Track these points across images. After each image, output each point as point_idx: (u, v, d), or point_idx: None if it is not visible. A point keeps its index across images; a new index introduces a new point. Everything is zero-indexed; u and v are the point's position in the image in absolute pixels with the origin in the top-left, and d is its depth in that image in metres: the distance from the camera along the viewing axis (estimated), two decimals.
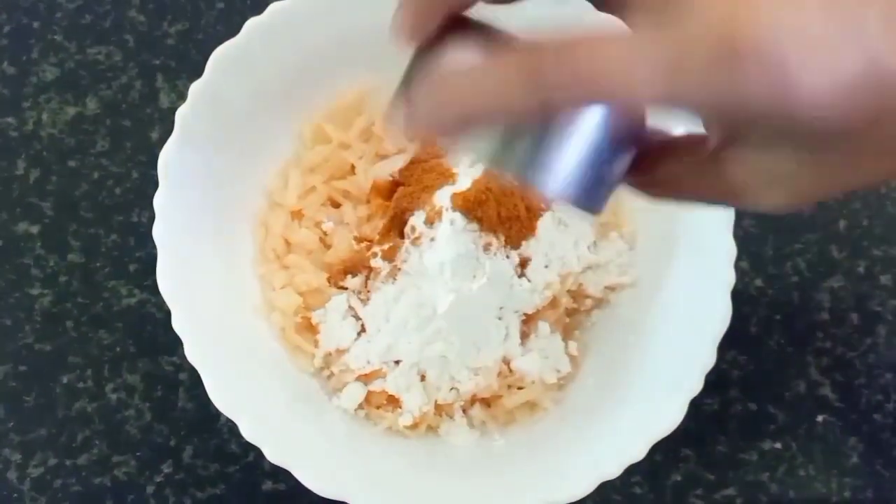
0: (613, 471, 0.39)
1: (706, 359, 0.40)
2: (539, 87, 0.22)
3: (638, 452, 0.39)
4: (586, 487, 0.39)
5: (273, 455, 0.39)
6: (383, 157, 0.46)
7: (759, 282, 0.50)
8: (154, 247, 0.41)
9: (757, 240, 0.50)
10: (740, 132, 0.24)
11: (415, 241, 0.42)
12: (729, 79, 0.21)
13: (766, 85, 0.21)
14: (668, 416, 0.40)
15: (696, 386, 0.40)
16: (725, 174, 0.25)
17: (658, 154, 0.27)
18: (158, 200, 0.41)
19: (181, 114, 0.41)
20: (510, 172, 0.25)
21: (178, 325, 0.40)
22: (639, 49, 0.22)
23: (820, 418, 0.48)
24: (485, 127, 0.24)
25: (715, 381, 0.41)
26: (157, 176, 0.41)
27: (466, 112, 0.24)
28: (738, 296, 0.42)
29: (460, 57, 0.25)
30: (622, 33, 0.23)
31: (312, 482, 0.39)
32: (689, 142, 0.26)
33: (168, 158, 0.41)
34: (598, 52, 0.22)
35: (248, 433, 0.39)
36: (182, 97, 0.42)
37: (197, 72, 0.42)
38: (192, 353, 0.39)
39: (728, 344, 0.41)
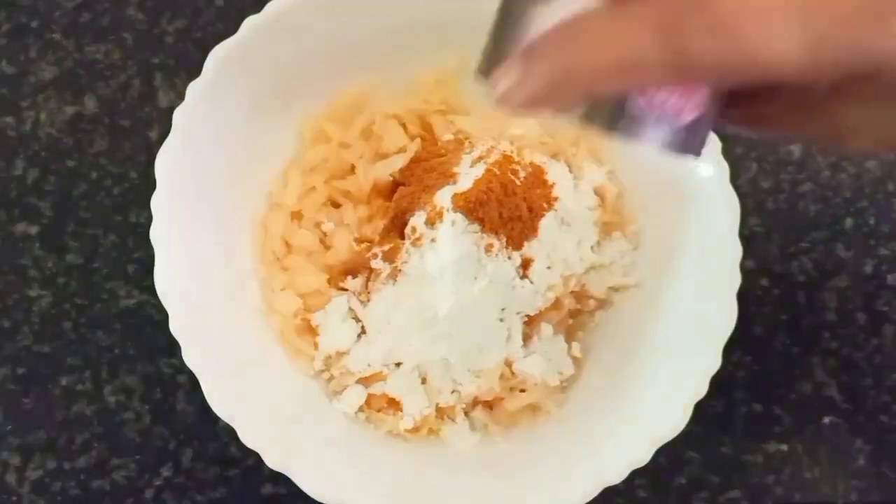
0: (617, 476, 0.39)
1: (711, 362, 0.40)
2: (681, 51, 0.21)
3: (642, 457, 0.39)
4: (589, 492, 0.39)
5: (272, 461, 0.39)
6: (383, 156, 0.45)
7: (764, 281, 0.49)
8: (153, 247, 0.41)
9: (762, 239, 0.50)
10: (860, 85, 0.23)
11: (415, 242, 0.42)
12: (879, 44, 0.20)
13: None
14: (672, 419, 0.39)
15: (700, 390, 0.40)
16: (832, 117, 0.25)
17: (765, 96, 0.25)
18: (156, 202, 0.40)
19: (179, 114, 0.41)
20: (600, 126, 0.24)
21: (175, 328, 0.39)
22: (783, 5, 0.20)
23: (826, 420, 0.47)
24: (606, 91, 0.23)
25: (720, 382, 0.41)
26: (155, 176, 0.41)
27: (598, 77, 0.22)
28: (743, 295, 0.41)
29: (575, 4, 0.22)
30: None
31: (312, 487, 0.39)
32: (798, 86, 0.24)
33: (166, 159, 0.41)
34: (741, 8, 0.21)
35: (247, 438, 0.39)
36: (181, 96, 0.42)
37: (196, 70, 0.42)
38: (190, 357, 0.39)
39: (733, 344, 0.41)
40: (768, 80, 0.22)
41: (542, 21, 0.23)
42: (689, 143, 0.25)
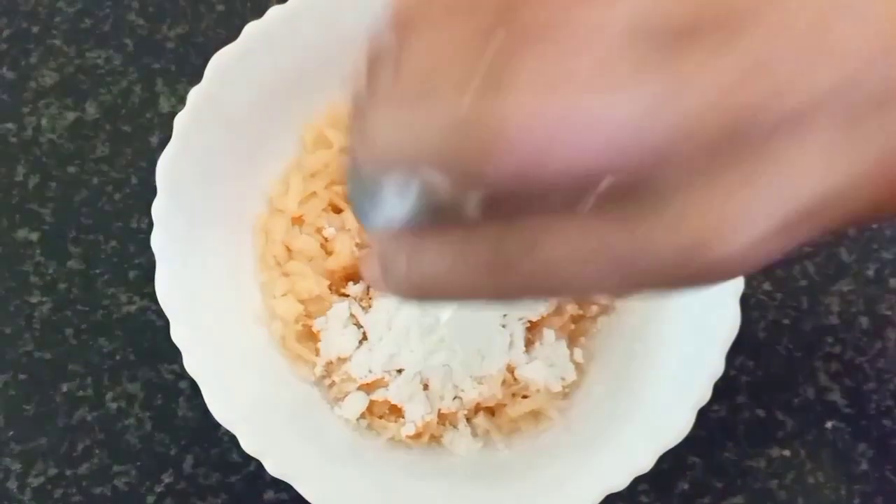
0: (620, 482, 0.39)
1: (714, 368, 0.40)
2: (503, 287, 0.23)
3: (645, 463, 0.39)
4: (592, 499, 0.39)
5: (273, 468, 0.38)
6: None
7: (767, 285, 0.49)
8: (154, 253, 0.40)
9: None
10: None
11: None
12: (680, 283, 0.22)
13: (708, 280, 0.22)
14: (675, 426, 0.39)
15: (704, 395, 0.40)
16: None
17: None
18: (157, 208, 0.40)
19: (180, 120, 0.41)
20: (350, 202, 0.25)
21: (176, 336, 0.39)
22: (597, 241, 0.21)
23: (829, 424, 0.47)
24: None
25: (722, 386, 0.41)
26: (156, 182, 0.41)
27: (441, 295, 0.24)
28: (745, 300, 0.41)
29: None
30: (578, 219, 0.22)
31: (313, 494, 0.38)
32: None
33: (166, 166, 0.41)
34: (556, 249, 0.22)
35: (248, 446, 0.38)
36: (182, 101, 0.42)
37: (197, 75, 0.42)
38: (191, 365, 0.39)
39: (736, 349, 0.41)
40: None
41: (390, 191, 0.23)
42: None
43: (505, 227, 0.22)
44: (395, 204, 0.22)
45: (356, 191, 0.24)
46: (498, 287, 0.23)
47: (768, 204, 0.20)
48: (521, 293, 0.23)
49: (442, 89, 0.20)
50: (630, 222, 0.21)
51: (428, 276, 0.23)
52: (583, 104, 0.19)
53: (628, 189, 0.20)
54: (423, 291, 0.24)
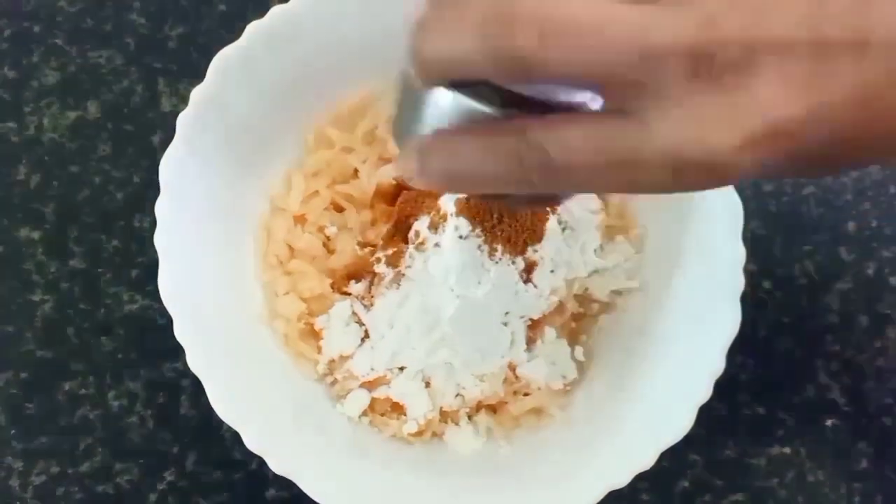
0: (621, 479, 0.39)
1: (715, 366, 0.40)
2: (527, 175, 0.27)
3: (646, 461, 0.39)
4: (593, 496, 0.39)
5: (276, 465, 0.39)
6: (387, 160, 0.45)
7: (767, 284, 0.49)
8: (156, 252, 0.41)
9: (764, 242, 0.50)
10: None
11: (419, 247, 0.42)
12: (671, 181, 0.26)
13: None
14: (676, 423, 0.39)
15: (704, 393, 0.40)
16: None
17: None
18: (160, 207, 0.40)
19: (182, 120, 0.41)
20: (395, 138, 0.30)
21: (180, 333, 0.39)
22: (604, 134, 0.27)
23: (829, 422, 0.47)
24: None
25: (723, 385, 0.41)
26: (158, 181, 0.41)
27: (476, 187, 0.29)
28: (746, 299, 0.41)
29: (465, 119, 0.28)
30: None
31: (316, 492, 0.39)
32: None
33: (169, 165, 0.41)
34: (570, 139, 0.26)
35: (252, 443, 0.39)
36: (184, 101, 0.42)
37: (198, 75, 0.42)
38: (195, 362, 0.39)
39: (736, 348, 0.41)
40: None
41: (435, 105, 0.28)
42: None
43: (529, 121, 0.27)
44: (439, 108, 0.28)
45: (404, 107, 0.29)
46: (522, 175, 0.27)
47: (733, 119, 0.24)
48: (542, 182, 0.27)
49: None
50: (629, 122, 0.25)
51: (463, 167, 0.28)
52: (586, 9, 0.25)
53: (624, 95, 0.25)
54: (458, 182, 0.29)
